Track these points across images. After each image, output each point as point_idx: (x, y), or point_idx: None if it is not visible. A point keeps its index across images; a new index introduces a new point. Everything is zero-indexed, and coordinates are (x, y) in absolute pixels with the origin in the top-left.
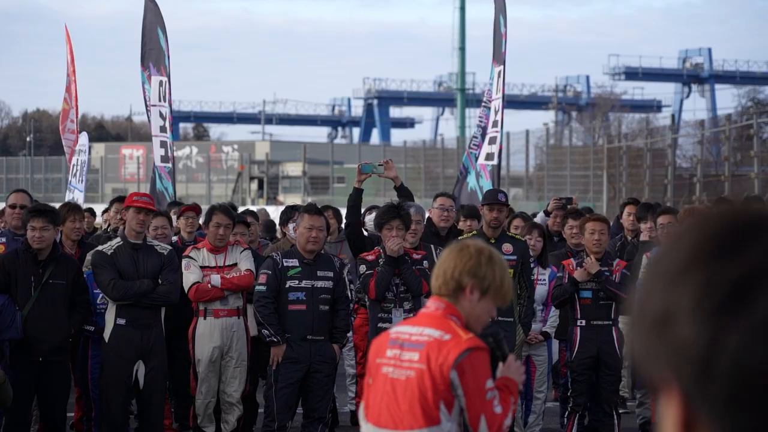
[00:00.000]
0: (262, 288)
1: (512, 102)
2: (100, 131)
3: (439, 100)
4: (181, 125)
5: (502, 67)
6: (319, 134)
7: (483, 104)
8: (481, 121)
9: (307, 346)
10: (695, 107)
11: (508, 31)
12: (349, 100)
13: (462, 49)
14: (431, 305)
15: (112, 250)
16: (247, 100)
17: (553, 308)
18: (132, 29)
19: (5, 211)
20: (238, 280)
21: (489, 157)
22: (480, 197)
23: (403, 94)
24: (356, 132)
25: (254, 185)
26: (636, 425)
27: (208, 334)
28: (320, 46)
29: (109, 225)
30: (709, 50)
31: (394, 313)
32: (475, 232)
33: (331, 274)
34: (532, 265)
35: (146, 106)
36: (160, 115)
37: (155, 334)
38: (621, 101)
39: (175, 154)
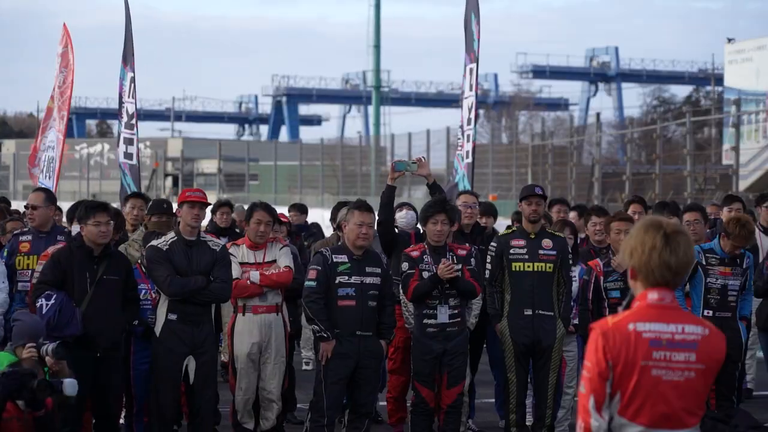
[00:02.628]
0: (312, 284)
1: (421, 100)
2: (4, 128)
3: (347, 97)
4: (87, 122)
5: (474, 64)
6: (226, 131)
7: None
8: (462, 121)
9: (356, 342)
10: (602, 106)
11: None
12: (256, 97)
13: (377, 46)
14: (665, 296)
15: (167, 246)
16: (153, 98)
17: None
18: (33, 23)
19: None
20: (276, 277)
21: (467, 155)
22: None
23: (312, 92)
24: (264, 129)
25: (169, 182)
26: None
27: (248, 331)
28: (225, 44)
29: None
30: (616, 49)
31: (440, 309)
32: (515, 228)
33: (378, 270)
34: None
35: (120, 102)
36: (126, 111)
37: (206, 330)
38: (535, 99)
39: (88, 151)
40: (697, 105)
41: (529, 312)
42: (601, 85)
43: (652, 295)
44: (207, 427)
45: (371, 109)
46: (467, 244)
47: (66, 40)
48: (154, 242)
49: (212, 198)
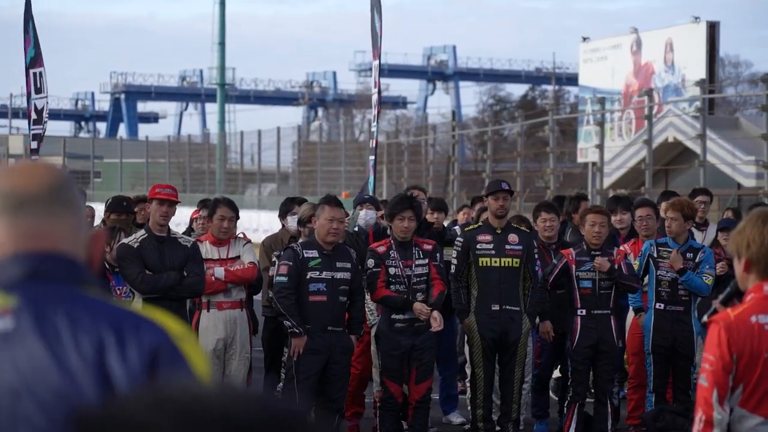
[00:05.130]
0: (283, 279)
1: (260, 98)
2: None
3: (185, 95)
4: None
5: (377, 61)
6: (62, 129)
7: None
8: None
9: (327, 337)
10: (440, 104)
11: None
12: (93, 94)
13: (222, 43)
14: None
15: (137, 243)
16: None
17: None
18: None
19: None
20: (241, 273)
21: (371, 152)
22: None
23: (150, 89)
24: (101, 126)
25: None
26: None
27: (212, 327)
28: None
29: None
30: (454, 48)
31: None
32: (480, 224)
33: (349, 265)
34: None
35: (28, 99)
36: (35, 107)
37: None
38: (385, 98)
39: None
40: (533, 103)
41: (496, 307)
42: (439, 84)
43: None
44: None
45: (208, 106)
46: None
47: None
48: (124, 240)
49: None
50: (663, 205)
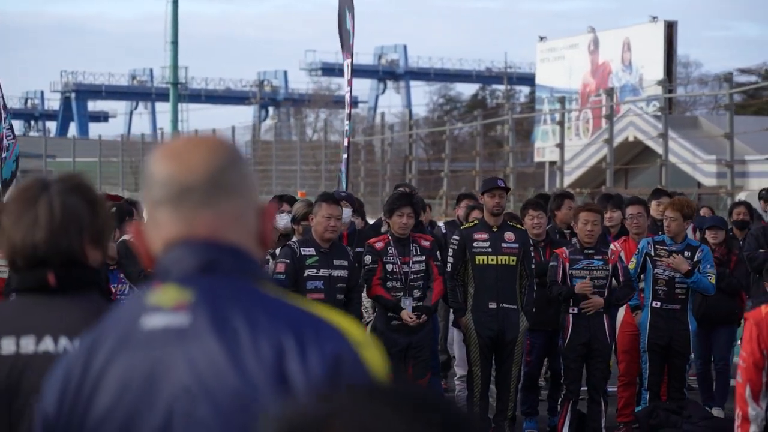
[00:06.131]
0: (281, 277)
1: (211, 97)
2: None
3: (135, 94)
4: None
5: (350, 59)
6: None
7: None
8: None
9: None
10: (390, 103)
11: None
12: (42, 93)
13: (174, 43)
14: None
15: None
16: None
17: None
18: None
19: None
20: None
21: (344, 150)
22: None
23: (101, 88)
24: (51, 125)
25: None
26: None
27: None
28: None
29: None
30: (405, 47)
31: (404, 302)
32: (476, 221)
33: (346, 263)
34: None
35: None
36: None
37: None
38: (335, 97)
39: None
40: (483, 103)
41: (493, 305)
42: (390, 83)
43: None
44: None
45: (158, 105)
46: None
47: None
48: (125, 237)
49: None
50: (653, 203)
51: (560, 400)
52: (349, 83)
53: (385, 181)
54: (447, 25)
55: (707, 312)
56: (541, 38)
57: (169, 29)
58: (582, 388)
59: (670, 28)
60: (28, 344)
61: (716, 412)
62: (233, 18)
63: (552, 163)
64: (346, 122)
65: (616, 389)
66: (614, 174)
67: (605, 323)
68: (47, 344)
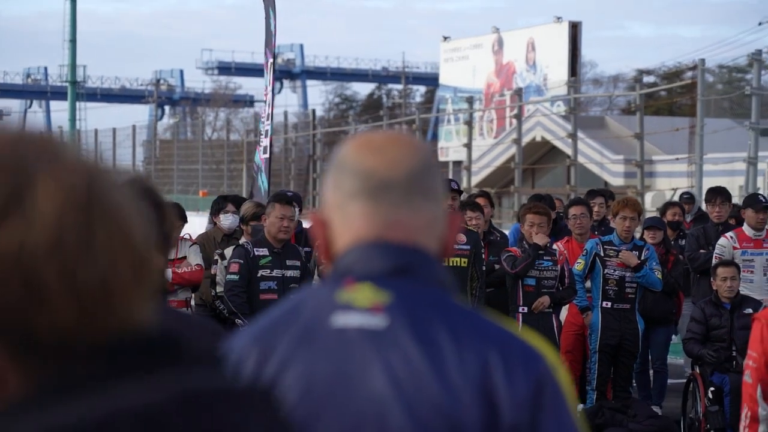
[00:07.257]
0: (235, 277)
1: (107, 96)
2: None
3: (30, 92)
4: None
5: (272, 59)
6: None
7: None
8: (262, 116)
9: None
10: (287, 103)
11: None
12: None
13: (73, 41)
14: None
15: None
16: None
17: None
18: None
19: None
20: (189, 276)
21: (265, 150)
22: (264, 195)
23: None
24: None
25: None
26: None
27: None
28: None
29: None
30: (301, 46)
31: None
32: None
33: (298, 263)
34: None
35: None
36: None
37: None
38: (234, 96)
39: None
40: (379, 102)
41: None
42: (286, 82)
43: None
44: None
45: (53, 104)
46: None
47: None
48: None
49: None
50: (610, 204)
51: None
52: (272, 83)
53: (289, 180)
54: (343, 24)
55: (645, 312)
56: (445, 38)
57: (68, 27)
58: None
59: (575, 29)
60: None
61: (654, 410)
62: (126, 16)
63: (457, 163)
64: (267, 122)
65: None
66: (521, 174)
67: (554, 323)
68: None
